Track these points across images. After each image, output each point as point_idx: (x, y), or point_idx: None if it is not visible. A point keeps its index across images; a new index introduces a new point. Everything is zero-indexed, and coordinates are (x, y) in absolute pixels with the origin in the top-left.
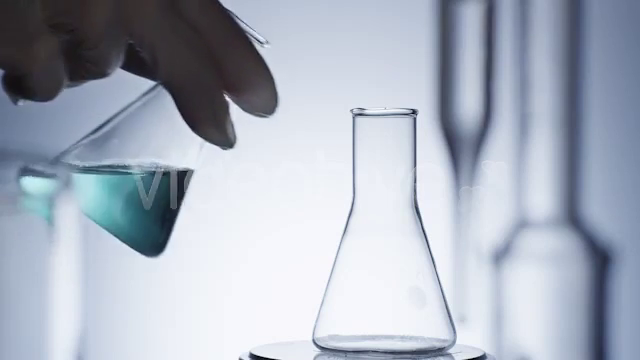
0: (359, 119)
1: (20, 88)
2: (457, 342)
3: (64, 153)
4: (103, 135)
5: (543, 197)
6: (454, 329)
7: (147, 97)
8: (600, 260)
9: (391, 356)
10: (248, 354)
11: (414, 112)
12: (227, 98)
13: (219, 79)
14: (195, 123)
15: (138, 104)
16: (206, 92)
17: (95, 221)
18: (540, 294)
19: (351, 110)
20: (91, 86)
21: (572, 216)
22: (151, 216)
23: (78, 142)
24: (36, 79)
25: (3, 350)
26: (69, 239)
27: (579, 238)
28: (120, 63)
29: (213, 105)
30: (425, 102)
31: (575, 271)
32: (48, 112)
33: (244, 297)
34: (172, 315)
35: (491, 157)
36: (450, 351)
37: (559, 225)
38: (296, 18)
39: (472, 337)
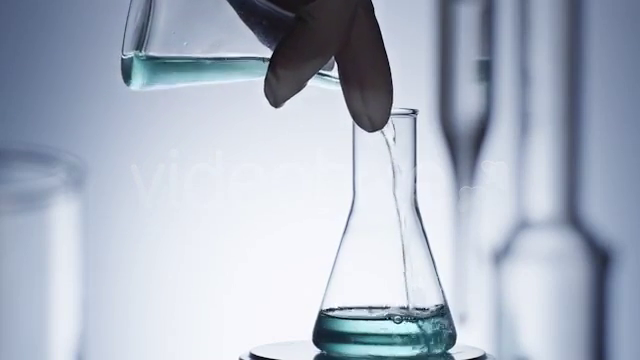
0: None
1: None
2: (457, 342)
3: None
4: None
5: (543, 197)
6: (454, 329)
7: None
8: (600, 260)
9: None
10: (248, 354)
11: (414, 112)
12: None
13: (330, 56)
14: (280, 51)
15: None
16: (321, 46)
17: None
18: (540, 294)
19: None
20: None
21: (572, 216)
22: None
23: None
24: None
25: (3, 350)
26: (69, 239)
27: (579, 238)
28: None
29: (309, 55)
30: (425, 102)
31: (575, 271)
32: (48, 112)
33: (244, 297)
34: (172, 315)
35: (491, 157)
36: (450, 351)
37: (559, 225)
38: None
39: (472, 337)
